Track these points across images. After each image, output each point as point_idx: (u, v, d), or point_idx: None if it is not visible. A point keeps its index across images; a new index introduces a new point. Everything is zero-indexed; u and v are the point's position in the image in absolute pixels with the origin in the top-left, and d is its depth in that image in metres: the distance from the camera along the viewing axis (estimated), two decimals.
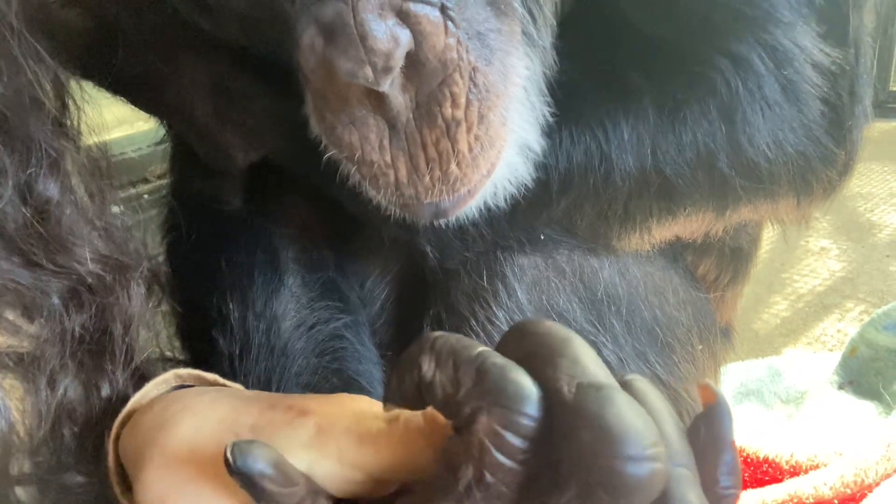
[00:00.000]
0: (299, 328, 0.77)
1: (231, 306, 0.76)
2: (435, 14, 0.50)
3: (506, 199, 0.61)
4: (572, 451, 0.30)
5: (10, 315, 0.55)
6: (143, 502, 0.44)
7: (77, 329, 0.58)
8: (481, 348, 0.33)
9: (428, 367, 0.34)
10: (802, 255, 1.61)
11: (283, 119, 0.58)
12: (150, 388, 0.54)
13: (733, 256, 0.85)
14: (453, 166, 0.54)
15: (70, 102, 0.60)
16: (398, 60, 0.49)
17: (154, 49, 0.66)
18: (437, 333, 0.35)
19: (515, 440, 0.31)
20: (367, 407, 0.43)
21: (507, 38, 0.54)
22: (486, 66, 0.52)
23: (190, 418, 0.46)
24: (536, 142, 0.60)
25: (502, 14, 0.54)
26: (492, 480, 0.31)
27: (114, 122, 0.71)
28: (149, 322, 0.68)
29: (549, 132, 0.64)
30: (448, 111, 0.52)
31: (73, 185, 0.59)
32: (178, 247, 0.79)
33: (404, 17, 0.49)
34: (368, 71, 0.49)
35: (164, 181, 0.84)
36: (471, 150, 0.54)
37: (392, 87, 0.50)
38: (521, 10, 0.55)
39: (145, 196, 0.92)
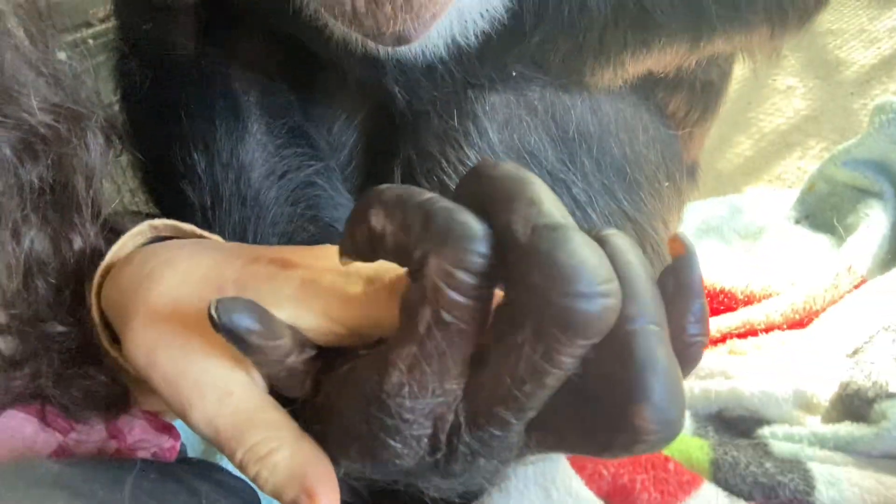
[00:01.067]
0: (269, 177, 0.76)
1: (196, 156, 0.74)
2: None
3: (476, 35, 0.59)
4: (525, 292, 0.30)
5: None
6: (130, 355, 0.44)
7: (35, 181, 0.56)
8: (429, 194, 0.33)
9: (377, 218, 0.34)
10: (769, 94, 1.61)
11: None
12: (127, 240, 0.54)
13: (703, 91, 0.84)
14: None
15: None
16: None
17: None
18: (385, 185, 0.35)
19: (466, 277, 0.31)
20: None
21: None
22: None
23: (171, 272, 0.45)
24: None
25: None
26: (449, 319, 0.32)
27: None
28: (111, 174, 0.66)
29: None
30: None
31: (11, 28, 0.55)
32: (132, 95, 0.75)
33: None
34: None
35: (110, 24, 0.79)
36: None
37: None
38: None
39: (90, 41, 0.86)
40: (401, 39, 0.54)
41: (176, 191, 0.74)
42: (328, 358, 0.41)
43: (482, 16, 0.57)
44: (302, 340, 0.40)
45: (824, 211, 1.16)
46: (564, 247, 0.30)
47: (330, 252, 0.42)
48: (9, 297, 0.55)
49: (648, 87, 0.78)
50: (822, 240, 1.12)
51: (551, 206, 0.32)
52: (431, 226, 0.32)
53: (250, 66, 0.75)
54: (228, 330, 0.37)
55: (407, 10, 0.52)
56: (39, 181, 0.56)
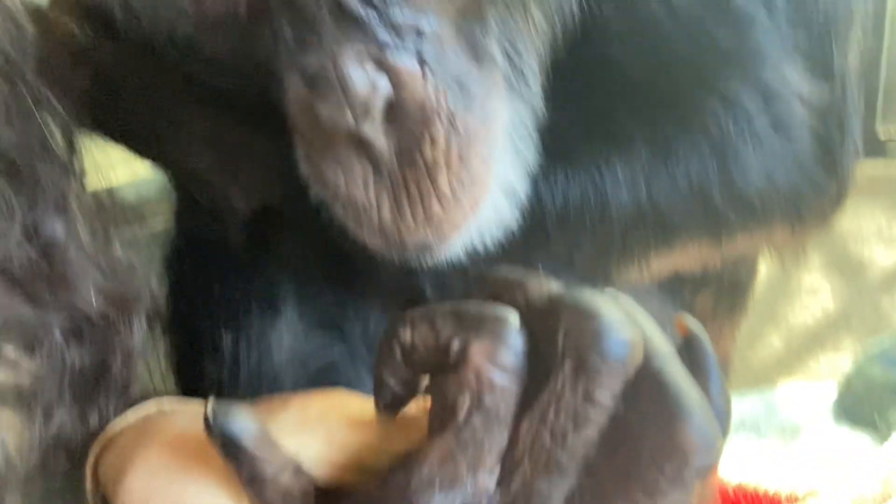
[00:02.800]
0: (292, 359, 0.78)
1: (223, 333, 0.76)
2: (413, 63, 0.53)
3: (497, 241, 0.63)
4: (558, 335, 0.32)
5: (11, 351, 0.55)
6: None
7: (77, 363, 0.58)
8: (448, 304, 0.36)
9: (406, 336, 0.36)
10: (796, 291, 1.63)
11: (280, 164, 0.60)
12: (130, 415, 0.54)
13: (731, 288, 0.86)
14: (435, 206, 0.56)
15: (78, 146, 0.61)
16: (377, 106, 0.53)
17: (156, 102, 0.68)
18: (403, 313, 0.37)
19: (508, 354, 0.33)
20: (356, 399, 0.43)
21: (488, 84, 0.57)
22: (465, 111, 0.55)
23: (170, 424, 0.46)
24: (523, 185, 0.63)
25: (482, 62, 0.57)
26: (490, 402, 0.33)
27: (116, 162, 0.73)
28: (147, 356, 0.68)
29: (544, 173, 0.66)
30: (428, 153, 0.55)
31: (79, 226, 0.59)
32: (178, 282, 0.80)
33: (383, 65, 0.53)
34: (349, 116, 0.52)
35: (166, 221, 0.85)
36: (452, 189, 0.56)
37: (374, 131, 0.53)
38: (502, 58, 0.58)
39: (146, 236, 0.92)
40: (422, 249, 0.58)
41: (197, 366, 0.76)
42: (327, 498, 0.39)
43: (497, 224, 0.62)
44: (299, 468, 0.39)
45: (863, 408, 1.12)
46: (583, 296, 0.33)
47: (333, 392, 0.42)
48: (24, 475, 0.55)
49: (675, 285, 0.80)
50: (864, 437, 1.08)
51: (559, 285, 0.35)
52: (465, 319, 0.34)
53: (291, 259, 0.79)
54: (222, 433, 0.36)
55: (428, 222, 0.57)
56: (81, 363, 0.58)
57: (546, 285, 0.35)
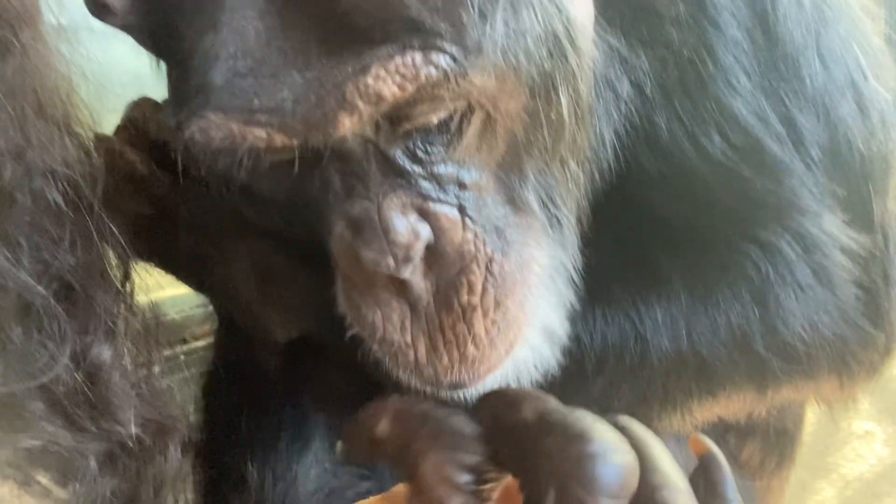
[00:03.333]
0: (317, 493, 0.77)
1: (251, 467, 0.76)
2: (453, 212, 0.56)
3: (536, 382, 0.63)
4: (542, 460, 0.33)
5: (43, 478, 0.55)
6: None
7: (108, 492, 0.57)
8: (431, 403, 0.38)
9: (382, 426, 0.38)
10: (847, 439, 1.55)
11: (320, 298, 0.62)
12: None
13: (778, 439, 0.83)
14: (471, 348, 0.57)
15: (132, 273, 0.63)
16: (417, 252, 0.55)
17: (204, 233, 0.72)
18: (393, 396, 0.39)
19: (458, 473, 0.35)
20: None
21: (525, 231, 0.59)
22: (502, 257, 0.57)
23: None
24: (562, 326, 0.63)
25: (521, 211, 0.59)
26: None
27: (158, 283, 0.75)
28: (176, 487, 0.67)
29: (583, 313, 0.67)
30: (465, 297, 0.56)
31: (125, 351, 0.61)
32: (212, 407, 0.80)
33: (424, 213, 0.55)
34: (390, 260, 0.54)
35: (203, 342, 0.87)
36: (487, 333, 0.57)
37: (413, 274, 0.56)
38: (540, 207, 0.60)
39: (183, 356, 0.94)
40: (457, 387, 0.58)
41: (221, 499, 0.75)
42: None
43: (537, 368, 0.62)
44: None
45: None
46: (572, 415, 0.34)
47: None
48: None
49: (719, 433, 0.77)
50: None
51: (554, 402, 0.35)
52: (425, 428, 0.35)
53: (324, 389, 0.80)
54: None
55: (463, 362, 0.58)
56: (112, 492, 0.58)
57: (543, 403, 0.35)
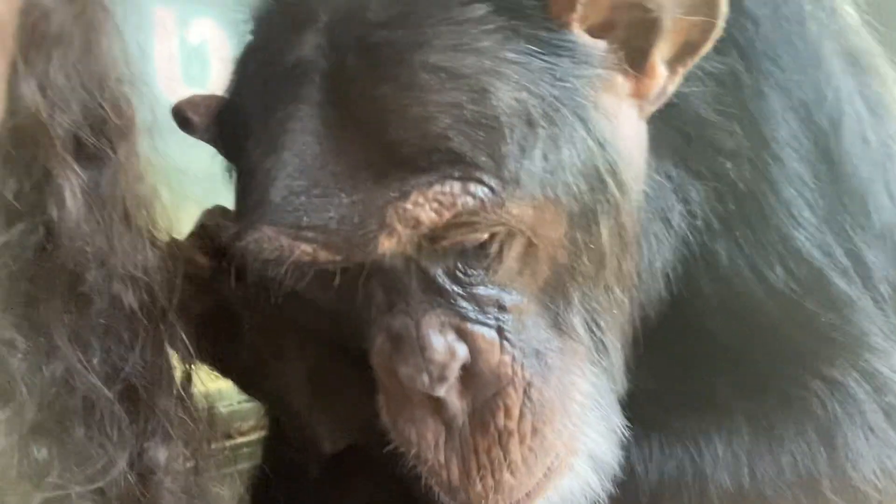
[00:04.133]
0: None
1: None
2: (491, 333, 0.56)
3: None
4: None
5: None
6: None
7: None
8: None
9: None
10: None
11: (368, 409, 0.63)
12: None
13: None
14: (506, 475, 0.56)
15: (194, 378, 0.66)
16: (453, 371, 0.55)
17: (261, 341, 0.74)
18: None
19: None
20: None
21: (569, 356, 0.58)
22: (542, 382, 0.56)
23: None
24: (612, 455, 0.61)
25: (564, 336, 0.58)
26: None
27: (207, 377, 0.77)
28: None
29: (637, 442, 0.64)
30: (501, 421, 0.56)
31: (178, 451, 0.62)
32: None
33: (462, 333, 0.56)
34: (426, 378, 0.55)
35: (249, 437, 0.88)
36: (524, 460, 0.56)
37: (448, 393, 0.56)
38: (584, 332, 0.59)
39: (228, 451, 0.95)
40: None
41: None
42: None
43: (585, 498, 0.59)
44: None
45: None
46: None
47: None
48: None
49: None
50: None
51: None
52: None
53: (365, 498, 0.79)
54: None
55: (499, 490, 0.57)
56: None
57: None
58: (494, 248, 0.54)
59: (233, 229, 0.57)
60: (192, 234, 0.72)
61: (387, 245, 0.51)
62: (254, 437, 0.87)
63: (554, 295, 0.58)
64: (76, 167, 0.53)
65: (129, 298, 0.57)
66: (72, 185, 0.53)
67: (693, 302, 0.66)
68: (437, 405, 0.57)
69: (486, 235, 0.53)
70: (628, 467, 0.63)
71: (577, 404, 0.58)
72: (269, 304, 0.69)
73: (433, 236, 0.53)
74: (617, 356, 0.62)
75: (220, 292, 0.70)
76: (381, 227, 0.50)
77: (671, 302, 0.66)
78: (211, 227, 0.72)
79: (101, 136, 0.55)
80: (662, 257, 0.64)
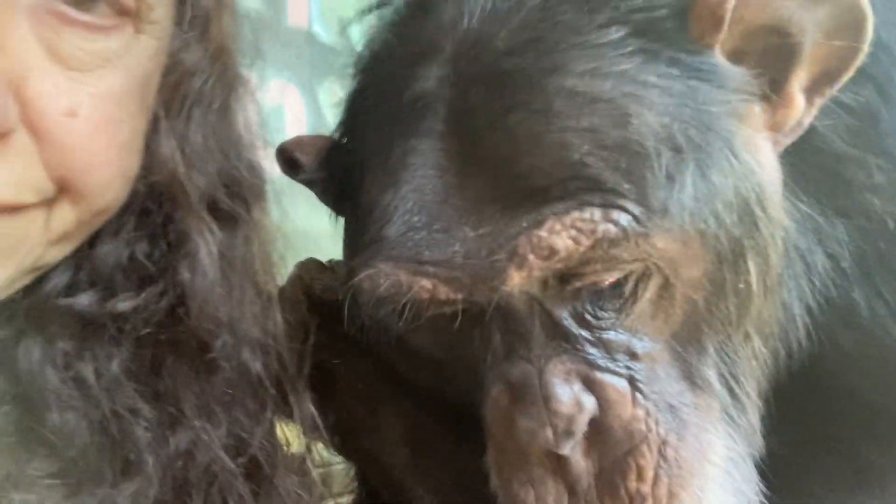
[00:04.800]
0: None
1: None
2: (622, 384, 0.51)
3: None
4: None
5: None
6: None
7: None
8: None
9: None
10: None
11: (472, 473, 0.58)
12: None
13: None
14: None
15: (310, 446, 0.62)
16: (580, 426, 0.50)
17: (359, 397, 0.69)
18: None
19: None
20: None
21: (704, 413, 0.53)
22: (677, 440, 0.51)
23: None
24: None
25: (698, 389, 0.53)
26: None
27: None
28: None
29: None
30: (633, 484, 0.50)
31: None
32: None
33: (590, 383, 0.51)
34: (549, 433, 0.50)
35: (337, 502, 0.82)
36: None
37: (573, 451, 0.50)
38: (720, 386, 0.54)
39: None
40: None
41: None
42: None
43: None
44: None
45: None
46: None
47: None
48: None
49: None
50: None
51: None
52: None
53: None
54: None
55: None
56: None
57: None
58: (629, 287, 0.50)
59: (344, 268, 0.53)
60: (284, 289, 0.70)
61: (516, 279, 0.47)
62: (344, 501, 0.82)
63: (688, 343, 0.52)
64: (214, 227, 0.52)
65: (257, 366, 0.54)
66: (207, 247, 0.51)
67: (832, 355, 0.60)
68: (559, 465, 0.51)
69: (621, 274, 0.49)
70: None
71: (713, 467, 0.52)
72: (367, 357, 0.66)
73: (565, 274, 0.49)
74: (754, 414, 0.56)
75: (320, 347, 0.67)
76: (512, 258, 0.46)
77: (806, 355, 0.60)
78: (304, 281, 0.69)
79: (236, 198, 0.54)
80: (802, 304, 0.58)
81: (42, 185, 0.43)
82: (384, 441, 0.68)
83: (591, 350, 0.51)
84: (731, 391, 0.54)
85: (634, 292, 0.50)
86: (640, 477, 0.50)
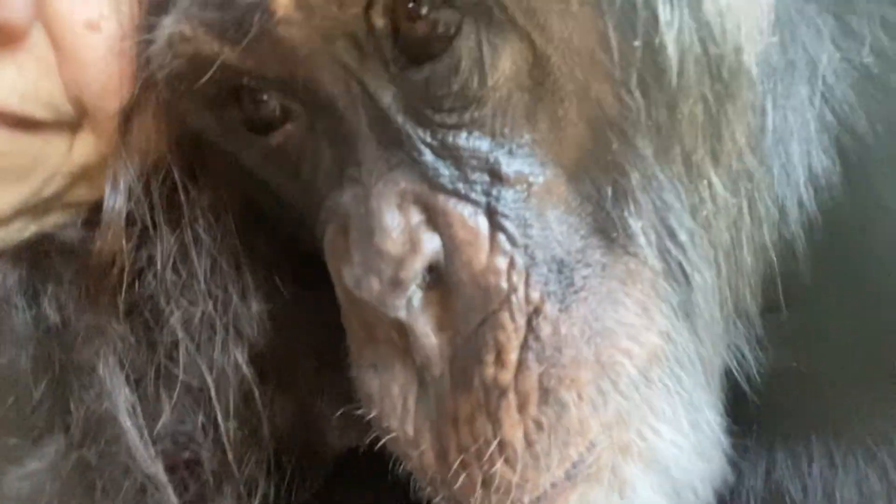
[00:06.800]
0: None
1: None
2: (476, 216, 0.34)
3: None
4: None
5: None
6: None
7: None
8: None
9: None
10: None
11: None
12: None
13: None
14: (499, 464, 0.33)
15: None
16: (413, 273, 0.34)
17: None
18: None
19: None
20: None
21: (621, 280, 0.35)
22: (560, 311, 0.33)
23: None
24: (695, 467, 0.36)
25: (613, 244, 0.35)
26: None
27: None
28: None
29: (768, 455, 0.41)
30: (489, 371, 0.34)
31: None
32: None
33: (433, 213, 0.34)
34: (374, 282, 0.34)
35: None
36: (527, 440, 0.33)
37: (416, 319, 0.35)
38: (650, 243, 0.35)
39: None
40: None
41: None
42: None
43: None
44: None
45: None
46: None
47: None
48: None
49: None
50: None
51: None
52: None
53: None
54: None
55: (488, 487, 0.34)
56: None
57: None
58: (464, 45, 0.32)
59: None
60: None
61: (289, 9, 0.32)
62: None
63: (600, 175, 0.35)
64: None
65: None
66: None
67: (870, 220, 0.39)
68: (405, 339, 0.36)
69: (445, 17, 0.32)
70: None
71: (630, 363, 0.34)
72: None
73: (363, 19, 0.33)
74: (715, 295, 0.37)
75: None
76: None
77: (831, 222, 0.39)
78: None
79: None
80: (805, 153, 0.38)
81: (56, 102, 0.40)
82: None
83: (435, 163, 0.34)
84: (668, 256, 0.35)
85: (479, 58, 0.32)
86: (499, 360, 0.33)
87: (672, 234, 0.35)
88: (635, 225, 0.35)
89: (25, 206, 0.43)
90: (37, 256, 0.45)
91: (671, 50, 0.32)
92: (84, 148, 0.42)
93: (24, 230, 0.45)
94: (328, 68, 0.35)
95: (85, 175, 0.43)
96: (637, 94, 0.32)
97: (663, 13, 0.31)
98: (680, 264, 0.35)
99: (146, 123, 0.42)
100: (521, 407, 0.33)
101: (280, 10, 0.32)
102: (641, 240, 0.35)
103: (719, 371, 0.38)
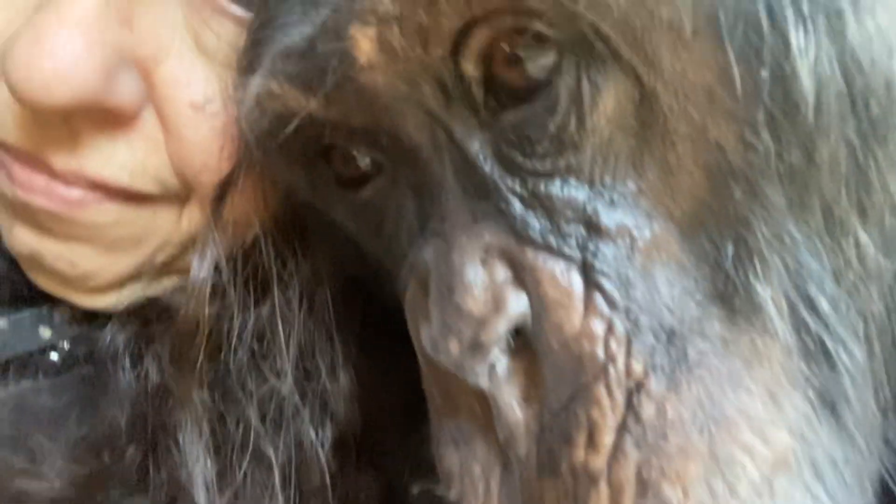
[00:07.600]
0: None
1: None
2: (568, 273, 0.30)
3: None
4: None
5: None
6: None
7: None
8: None
9: None
10: None
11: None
12: None
13: None
14: None
15: None
16: (497, 335, 0.30)
17: None
18: None
19: None
20: None
21: (741, 358, 0.29)
22: (668, 389, 0.28)
23: None
24: None
25: (736, 315, 0.29)
26: None
27: None
28: None
29: None
30: (579, 453, 0.29)
31: None
32: None
33: (520, 269, 0.30)
34: (453, 344, 0.30)
35: None
36: None
37: (500, 389, 0.30)
38: (782, 314, 0.29)
39: None
40: None
41: None
42: None
43: None
44: None
45: None
46: None
47: None
48: None
49: None
50: None
51: None
52: None
53: None
54: None
55: None
56: None
57: None
58: (563, 83, 0.29)
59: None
60: None
61: (368, 47, 0.30)
62: None
63: (717, 229, 0.30)
64: None
65: None
66: None
67: None
68: (488, 413, 0.32)
69: (540, 54, 0.28)
70: None
71: (752, 464, 0.28)
72: None
73: (456, 43, 0.30)
74: (862, 384, 0.30)
75: None
76: (351, 13, 0.30)
77: None
78: None
79: None
80: None
81: (164, 177, 0.42)
82: None
83: (525, 214, 0.31)
84: (807, 329, 0.29)
85: (577, 97, 0.29)
86: (592, 443, 0.29)
87: (810, 304, 0.29)
88: (763, 291, 0.29)
89: (138, 272, 0.45)
90: (144, 319, 0.47)
91: (806, 82, 0.27)
92: (192, 219, 0.44)
93: (136, 294, 0.46)
94: (412, 115, 0.33)
95: (194, 244, 0.44)
96: (765, 135, 0.27)
97: (796, 39, 0.26)
98: (821, 341, 0.29)
99: (243, 196, 0.42)
100: (614, 501, 0.28)
101: (363, 55, 0.31)
102: (771, 309, 0.29)
103: (873, 478, 0.31)
